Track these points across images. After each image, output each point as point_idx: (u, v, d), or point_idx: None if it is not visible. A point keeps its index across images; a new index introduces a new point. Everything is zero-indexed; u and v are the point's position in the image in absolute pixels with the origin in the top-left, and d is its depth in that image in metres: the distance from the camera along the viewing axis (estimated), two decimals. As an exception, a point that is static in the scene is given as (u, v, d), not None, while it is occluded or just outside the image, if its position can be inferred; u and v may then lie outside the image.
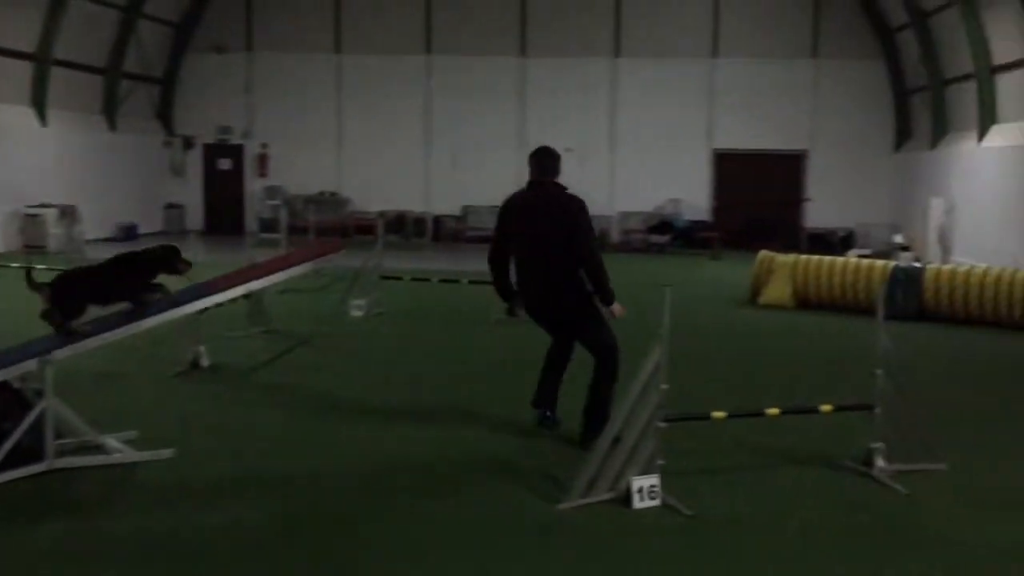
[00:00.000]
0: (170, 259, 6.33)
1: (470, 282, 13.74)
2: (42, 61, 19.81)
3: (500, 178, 24.56)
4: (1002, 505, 5.53)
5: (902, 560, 4.72)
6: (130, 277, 6.15)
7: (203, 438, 6.52)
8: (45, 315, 5.90)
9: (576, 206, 6.26)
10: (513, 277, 6.64)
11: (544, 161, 6.48)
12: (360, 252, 13.72)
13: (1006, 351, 10.71)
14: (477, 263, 14.29)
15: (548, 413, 6.78)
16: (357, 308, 11.88)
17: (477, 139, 24.41)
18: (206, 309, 8.33)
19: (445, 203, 24.35)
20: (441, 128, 24.71)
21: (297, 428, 6.90)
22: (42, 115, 20.13)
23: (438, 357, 9.72)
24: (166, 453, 6.03)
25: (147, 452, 6.01)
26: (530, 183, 6.51)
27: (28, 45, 19.53)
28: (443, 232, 24.16)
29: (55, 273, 6.13)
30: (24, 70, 19.64)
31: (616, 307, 6.33)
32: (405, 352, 9.97)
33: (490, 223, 19.98)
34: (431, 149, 24.75)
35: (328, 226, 22.00)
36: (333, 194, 24.98)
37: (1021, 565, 4.74)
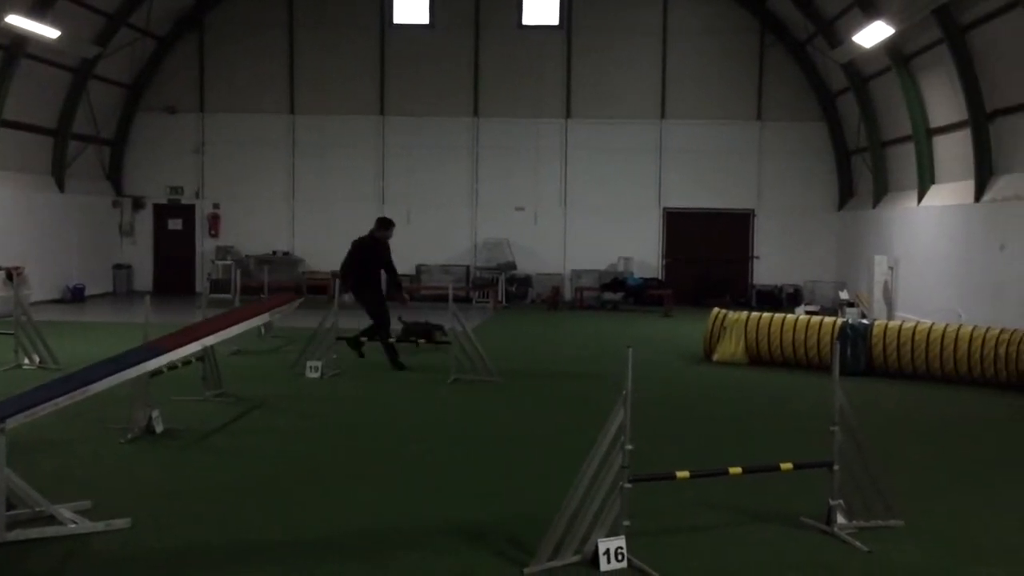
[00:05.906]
0: None
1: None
2: (-11, 122, 19.58)
3: (453, 236, 24.86)
4: (965, 559, 5.62)
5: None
6: None
7: (160, 506, 6.37)
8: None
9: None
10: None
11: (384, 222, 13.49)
12: (314, 312, 13.66)
13: (952, 406, 10.95)
14: (435, 319, 14.33)
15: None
16: (313, 369, 11.76)
17: (430, 198, 24.55)
18: (159, 372, 8.25)
19: (398, 262, 24.21)
20: (394, 188, 24.82)
21: (255, 493, 6.78)
22: (-12, 176, 19.82)
23: (397, 418, 9.66)
24: (121, 523, 5.88)
25: (102, 523, 5.85)
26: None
27: (-25, 106, 19.30)
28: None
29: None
30: (-30, 131, 19.40)
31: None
32: (362, 414, 9.89)
33: (443, 280, 19.83)
34: (384, 209, 24.75)
35: (281, 286, 21.82)
36: (286, 254, 24.84)
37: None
